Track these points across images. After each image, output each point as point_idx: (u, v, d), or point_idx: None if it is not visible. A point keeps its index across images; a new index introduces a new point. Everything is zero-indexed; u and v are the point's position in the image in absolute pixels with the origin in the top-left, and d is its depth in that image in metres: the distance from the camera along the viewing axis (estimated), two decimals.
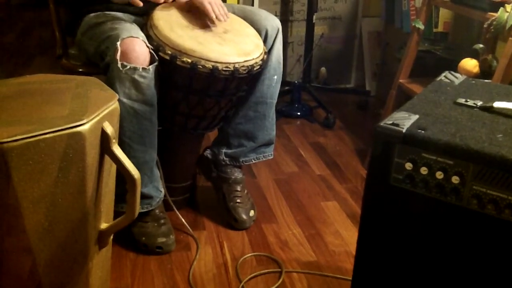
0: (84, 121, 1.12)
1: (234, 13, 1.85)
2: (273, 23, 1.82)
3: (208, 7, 1.67)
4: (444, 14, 2.77)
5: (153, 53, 1.56)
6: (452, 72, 1.42)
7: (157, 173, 1.73)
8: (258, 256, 1.77)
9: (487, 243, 1.02)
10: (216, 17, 1.67)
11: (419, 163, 1.04)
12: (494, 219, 0.99)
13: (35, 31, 4.28)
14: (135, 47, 1.53)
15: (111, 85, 1.52)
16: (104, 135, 1.19)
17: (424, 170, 1.04)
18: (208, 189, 2.04)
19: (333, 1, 3.15)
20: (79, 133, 1.11)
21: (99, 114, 1.17)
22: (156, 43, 1.58)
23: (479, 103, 1.19)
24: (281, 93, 1.97)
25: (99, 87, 1.32)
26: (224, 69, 1.57)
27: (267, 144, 1.95)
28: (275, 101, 1.89)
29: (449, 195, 1.03)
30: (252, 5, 2.99)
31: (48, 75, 1.37)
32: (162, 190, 1.77)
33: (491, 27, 1.88)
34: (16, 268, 1.17)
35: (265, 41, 1.78)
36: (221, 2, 1.73)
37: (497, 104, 1.16)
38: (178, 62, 1.55)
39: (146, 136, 1.62)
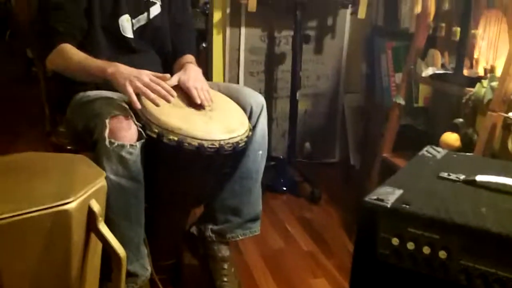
0: (71, 199, 1.12)
1: (219, 91, 1.89)
2: (257, 99, 1.86)
3: (195, 93, 1.71)
4: (424, 90, 2.85)
5: (141, 130, 1.58)
6: (434, 147, 1.45)
7: (144, 250, 1.71)
8: None
9: None
10: (201, 102, 1.71)
11: (405, 237, 1.05)
12: None
13: (23, 106, 4.29)
14: (123, 125, 1.55)
15: (98, 161, 1.53)
16: (90, 213, 1.18)
17: (410, 245, 1.04)
18: (194, 266, 2.01)
19: (315, 79, 3.24)
20: (65, 211, 1.11)
21: (86, 192, 1.17)
22: (144, 121, 1.60)
23: (462, 176, 1.21)
24: (267, 168, 1.99)
25: (86, 164, 1.33)
26: (209, 146, 1.59)
27: (254, 219, 1.94)
28: (260, 176, 1.90)
29: (437, 270, 1.03)
30: (238, 82, 3.06)
31: (36, 153, 1.38)
32: (149, 268, 1.73)
33: (470, 102, 1.94)
34: None
35: (250, 117, 1.81)
36: (207, 87, 1.77)
37: (480, 178, 1.18)
38: (165, 140, 1.57)
39: (132, 213, 1.61)
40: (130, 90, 1.59)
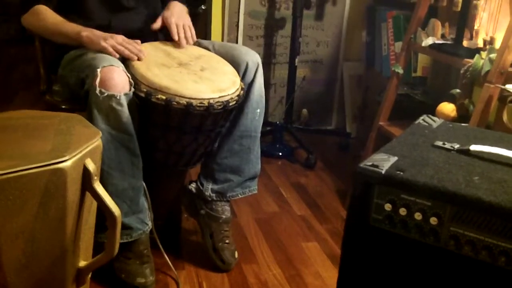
0: (67, 157, 1.12)
1: (214, 48, 1.88)
2: (253, 57, 1.84)
3: (174, 29, 1.74)
4: (423, 60, 2.85)
5: (132, 82, 1.59)
6: (430, 116, 1.45)
7: (143, 205, 1.72)
8: None
9: (465, 284, 1.03)
10: (179, 40, 1.71)
11: (398, 204, 1.06)
12: (472, 260, 1.00)
13: (19, 67, 4.28)
14: (113, 75, 1.56)
15: (90, 112, 1.55)
16: (85, 172, 1.19)
17: (403, 211, 1.06)
18: (189, 225, 2.03)
19: (315, 45, 3.22)
20: (61, 169, 1.11)
21: (81, 151, 1.17)
22: (133, 81, 1.61)
23: (456, 146, 1.21)
24: (263, 133, 1.99)
25: (82, 124, 1.33)
26: (198, 105, 1.59)
27: (252, 178, 1.94)
28: (259, 135, 1.90)
29: (427, 236, 1.04)
30: None
31: (31, 111, 1.38)
32: (148, 223, 1.73)
33: (468, 73, 1.94)
34: None
35: (245, 74, 1.80)
36: (190, 23, 1.78)
37: (474, 148, 1.18)
38: (153, 99, 1.58)
39: (124, 164, 1.62)
40: (105, 44, 1.66)
